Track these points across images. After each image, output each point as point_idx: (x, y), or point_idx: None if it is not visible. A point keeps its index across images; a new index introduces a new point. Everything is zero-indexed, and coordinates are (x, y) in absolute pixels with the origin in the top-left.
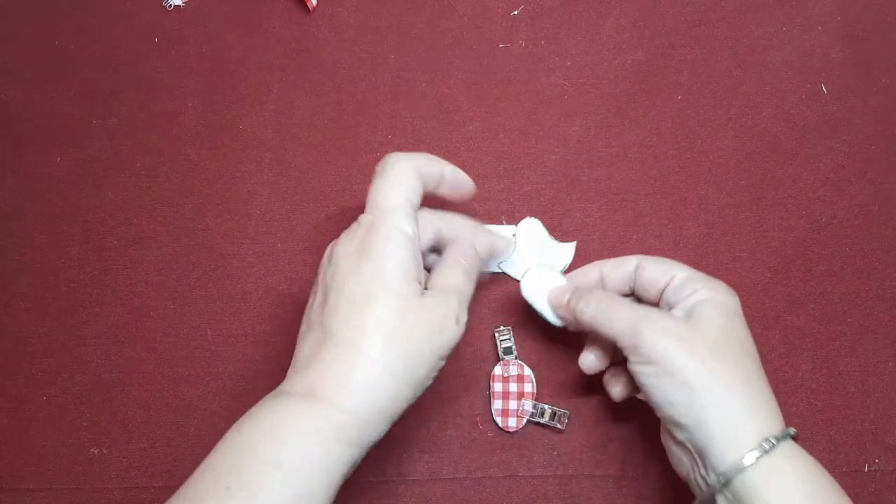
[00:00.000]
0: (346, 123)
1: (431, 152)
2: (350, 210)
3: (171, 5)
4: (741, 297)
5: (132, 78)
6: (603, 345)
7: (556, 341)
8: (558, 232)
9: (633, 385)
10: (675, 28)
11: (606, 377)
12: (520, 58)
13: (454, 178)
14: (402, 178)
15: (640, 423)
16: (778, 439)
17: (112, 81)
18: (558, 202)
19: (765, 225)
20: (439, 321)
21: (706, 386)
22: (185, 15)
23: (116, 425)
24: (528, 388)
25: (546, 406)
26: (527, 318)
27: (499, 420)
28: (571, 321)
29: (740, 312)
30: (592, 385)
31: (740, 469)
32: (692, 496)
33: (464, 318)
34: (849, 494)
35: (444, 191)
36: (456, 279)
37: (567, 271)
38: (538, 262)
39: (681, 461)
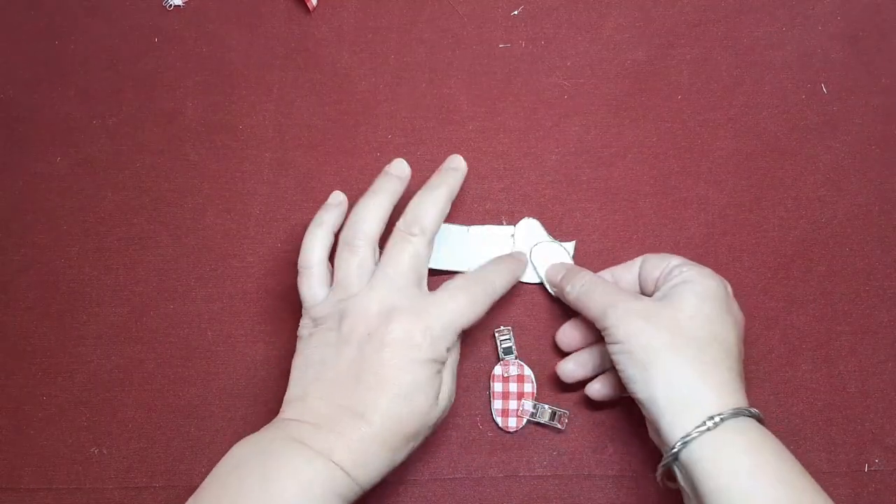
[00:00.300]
0: (346, 123)
1: (431, 152)
2: (350, 210)
3: (171, 5)
4: (741, 298)
5: (132, 78)
6: (586, 357)
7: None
8: (558, 232)
9: (613, 385)
10: (675, 28)
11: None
12: (520, 58)
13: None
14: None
15: (640, 423)
16: (724, 418)
17: (112, 81)
18: (558, 202)
19: (765, 225)
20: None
21: (659, 363)
22: (185, 15)
23: (116, 425)
24: (528, 388)
25: (546, 406)
26: (527, 317)
27: (499, 420)
28: (563, 299)
29: (722, 297)
30: None
31: (685, 443)
32: None
33: (450, 392)
34: (849, 494)
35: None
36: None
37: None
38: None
39: (653, 438)
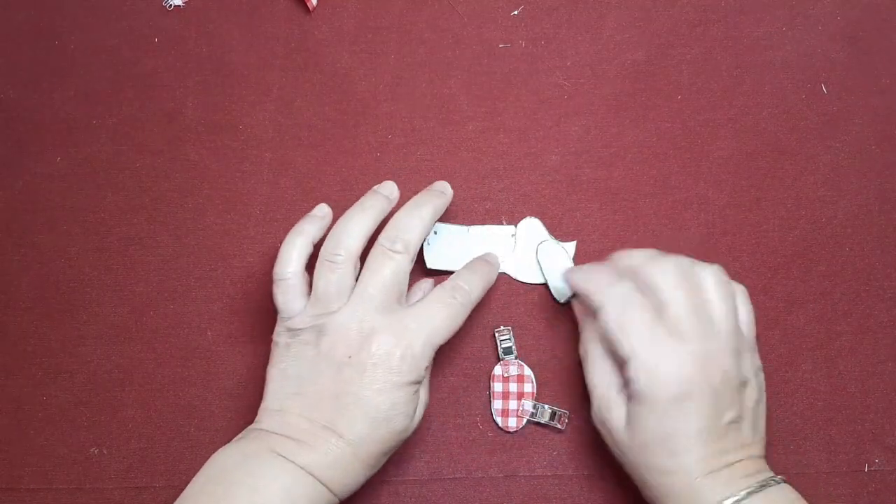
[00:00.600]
0: (346, 123)
1: (431, 152)
2: None
3: (171, 5)
4: None
5: (132, 78)
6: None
7: (557, 341)
8: (558, 232)
9: None
10: (675, 28)
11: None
12: (520, 58)
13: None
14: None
15: None
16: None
17: (112, 81)
18: (558, 202)
19: (765, 225)
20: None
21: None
22: (185, 15)
23: (116, 425)
24: (528, 388)
25: (546, 406)
26: (527, 317)
27: (499, 420)
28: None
29: (681, 399)
30: None
31: None
32: None
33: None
34: (849, 494)
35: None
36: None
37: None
38: (538, 260)
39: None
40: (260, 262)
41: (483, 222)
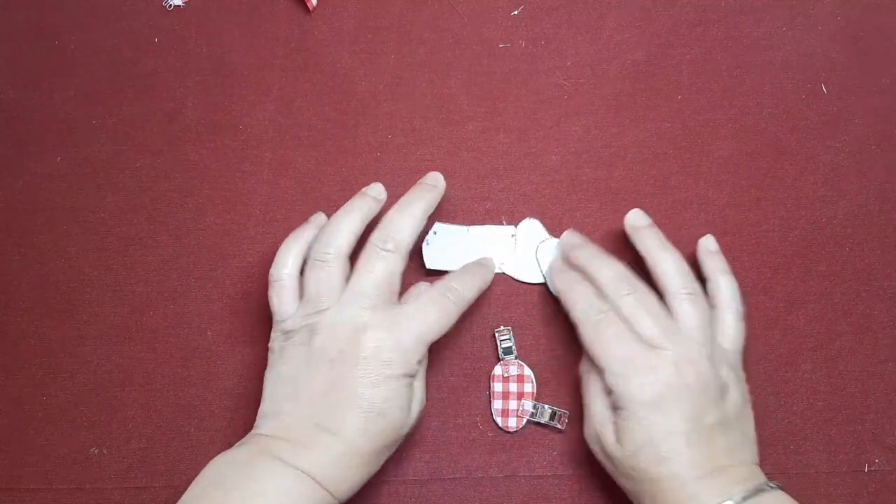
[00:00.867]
0: (346, 123)
1: (431, 152)
2: None
3: (171, 5)
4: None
5: (132, 78)
6: None
7: (556, 341)
8: (558, 232)
9: None
10: (675, 28)
11: None
12: (520, 58)
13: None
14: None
15: None
16: None
17: (112, 81)
18: (558, 202)
19: (765, 225)
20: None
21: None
22: (185, 15)
23: (116, 425)
24: (528, 388)
25: (546, 406)
26: (527, 317)
27: (499, 420)
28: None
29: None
30: None
31: None
32: None
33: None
34: (849, 494)
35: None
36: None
37: None
38: (539, 261)
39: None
40: (260, 262)
41: (483, 222)
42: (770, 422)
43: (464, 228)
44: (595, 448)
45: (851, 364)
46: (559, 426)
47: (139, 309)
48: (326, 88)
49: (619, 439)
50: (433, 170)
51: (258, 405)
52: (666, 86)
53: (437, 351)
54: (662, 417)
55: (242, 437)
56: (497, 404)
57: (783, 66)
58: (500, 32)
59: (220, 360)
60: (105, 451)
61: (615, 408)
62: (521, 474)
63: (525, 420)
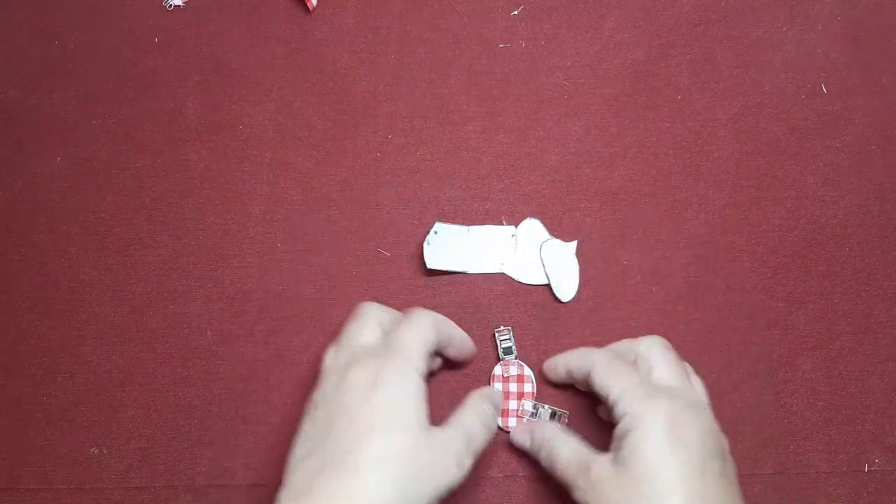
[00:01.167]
0: (346, 123)
1: (431, 152)
2: (350, 210)
3: (171, 5)
4: (741, 297)
5: (132, 78)
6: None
7: (557, 341)
8: (558, 232)
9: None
10: (675, 28)
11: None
12: (520, 58)
13: (461, 342)
14: (425, 327)
15: None
16: None
17: (112, 81)
18: (558, 202)
19: (765, 225)
20: (441, 460)
21: None
22: (185, 15)
23: (116, 425)
24: (528, 387)
25: (546, 406)
26: (527, 317)
27: (499, 420)
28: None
29: (674, 426)
30: None
31: None
32: None
33: (467, 462)
34: (849, 494)
35: (452, 352)
36: (471, 423)
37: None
38: (539, 261)
39: None
40: (260, 262)
41: (483, 222)
42: (770, 422)
43: (464, 228)
44: (578, 482)
45: (851, 364)
46: (559, 426)
47: (139, 309)
48: (326, 88)
49: (617, 471)
50: (433, 170)
51: (258, 405)
52: (666, 86)
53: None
54: (672, 453)
55: (242, 436)
56: None
57: (783, 66)
58: (500, 32)
59: (220, 360)
60: (105, 451)
61: (623, 436)
62: (521, 474)
63: (525, 420)
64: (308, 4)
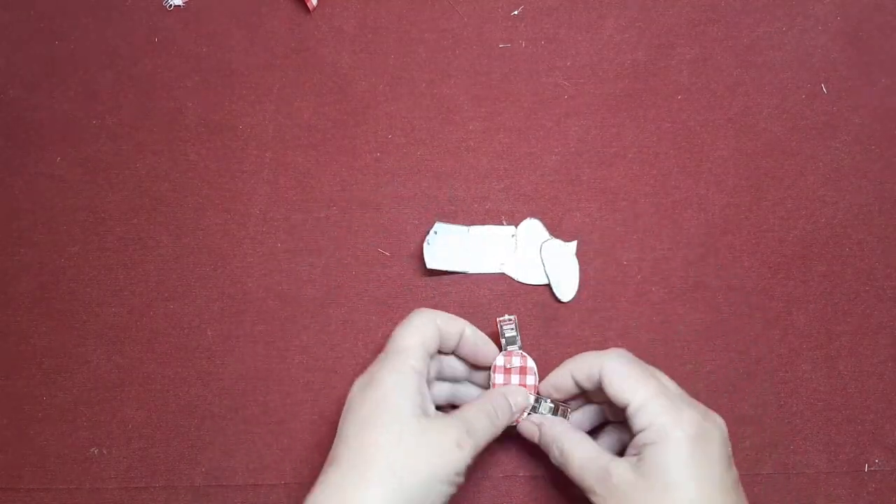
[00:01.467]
0: (346, 123)
1: (431, 152)
2: (350, 210)
3: (171, 5)
4: (741, 297)
5: (132, 78)
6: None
7: (557, 341)
8: (558, 232)
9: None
10: (675, 28)
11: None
12: (520, 58)
13: (474, 339)
14: (420, 326)
15: None
16: None
17: (112, 81)
18: (558, 202)
19: (765, 225)
20: (437, 443)
21: None
22: (185, 15)
23: (116, 425)
24: (531, 380)
25: (548, 400)
26: (527, 318)
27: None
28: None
29: (692, 436)
30: None
31: None
32: None
33: (467, 445)
34: (849, 494)
35: (465, 351)
36: (472, 413)
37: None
38: (539, 261)
39: None
40: (260, 262)
41: (483, 222)
42: (770, 422)
43: (464, 228)
44: (596, 488)
45: (851, 364)
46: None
47: (139, 309)
48: (326, 88)
49: (640, 470)
50: (433, 170)
51: (258, 405)
52: (666, 86)
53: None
54: (700, 454)
55: (242, 436)
56: None
57: (783, 66)
58: (500, 32)
59: (220, 360)
60: (105, 451)
61: (649, 437)
62: (520, 474)
63: (527, 413)
64: (308, 4)
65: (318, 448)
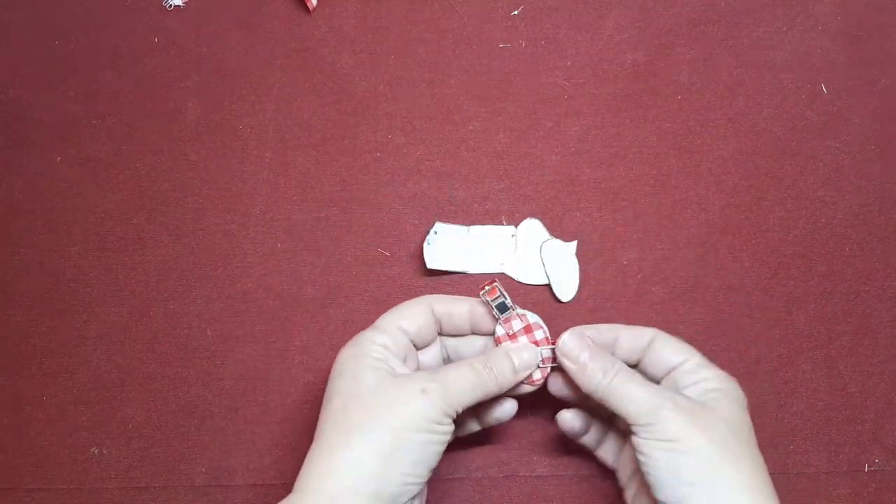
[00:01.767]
0: (346, 123)
1: (431, 152)
2: (350, 210)
3: (171, 5)
4: (741, 297)
5: (132, 78)
6: (587, 406)
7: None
8: (558, 232)
9: (613, 453)
10: (675, 28)
11: (587, 439)
12: (520, 58)
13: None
14: (404, 309)
15: None
16: None
17: (112, 81)
18: (558, 202)
19: (765, 225)
20: (399, 393)
21: (720, 471)
22: (185, 15)
23: (116, 425)
24: (540, 334)
25: None
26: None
27: (524, 373)
28: (579, 376)
29: (747, 407)
30: None
31: None
32: None
33: (432, 391)
34: (849, 494)
35: (482, 329)
36: (448, 366)
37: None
38: (539, 261)
39: None
40: (260, 262)
41: (483, 222)
42: (770, 422)
43: (464, 228)
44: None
45: (851, 364)
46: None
47: (139, 309)
48: (326, 88)
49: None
50: (433, 170)
51: (258, 405)
52: (666, 86)
53: None
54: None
55: (242, 436)
56: None
57: (783, 66)
58: (500, 32)
59: (220, 360)
60: (105, 451)
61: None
62: (521, 474)
63: (549, 367)
64: (308, 4)
65: None
